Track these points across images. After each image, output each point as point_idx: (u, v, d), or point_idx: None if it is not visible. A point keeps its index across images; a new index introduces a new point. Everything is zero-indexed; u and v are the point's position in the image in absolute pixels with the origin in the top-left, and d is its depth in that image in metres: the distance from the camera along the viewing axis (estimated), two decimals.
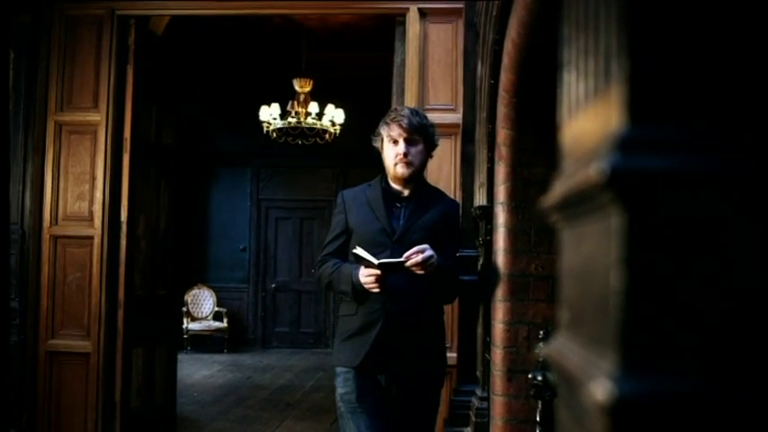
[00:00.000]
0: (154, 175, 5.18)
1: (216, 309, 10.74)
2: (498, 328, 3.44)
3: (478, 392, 3.83)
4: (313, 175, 11.05)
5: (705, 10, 0.72)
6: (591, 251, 0.79)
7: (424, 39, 4.64)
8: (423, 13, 4.65)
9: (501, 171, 3.52)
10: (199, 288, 10.76)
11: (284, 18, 8.09)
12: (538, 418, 2.66)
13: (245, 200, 11.28)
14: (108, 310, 4.71)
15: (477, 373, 3.96)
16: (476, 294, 3.83)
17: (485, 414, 3.66)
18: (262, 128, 8.78)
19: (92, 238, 4.72)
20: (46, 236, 4.74)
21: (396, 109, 2.93)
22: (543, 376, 2.55)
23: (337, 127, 8.77)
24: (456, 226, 2.99)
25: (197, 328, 10.42)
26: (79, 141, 4.77)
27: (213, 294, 10.80)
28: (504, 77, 3.38)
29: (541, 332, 2.76)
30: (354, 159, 10.14)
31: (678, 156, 0.69)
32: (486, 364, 3.71)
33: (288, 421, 6.09)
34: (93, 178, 4.74)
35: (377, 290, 2.65)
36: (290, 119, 8.58)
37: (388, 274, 2.65)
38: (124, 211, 4.80)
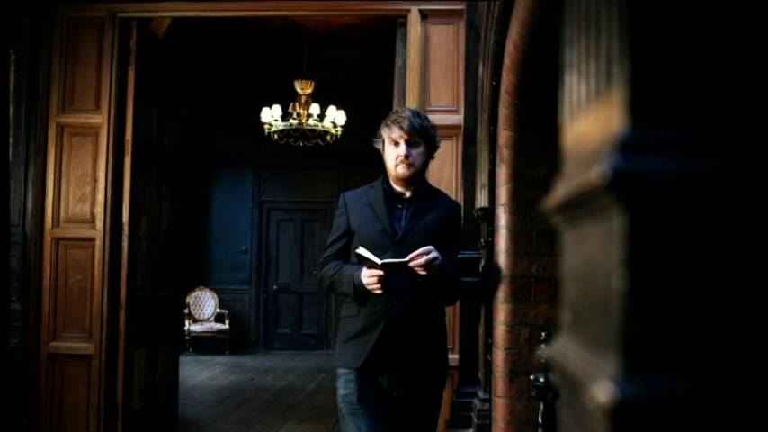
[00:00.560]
0: (155, 177, 5.19)
1: (217, 310, 10.74)
2: (500, 329, 3.44)
3: (480, 394, 3.83)
4: (314, 177, 11.05)
5: (705, 13, 0.72)
6: (592, 253, 0.79)
7: (426, 40, 4.64)
8: (424, 15, 4.65)
9: (502, 173, 3.52)
10: (200, 290, 10.77)
11: (285, 20, 8.10)
12: (540, 420, 2.65)
13: (247, 201, 11.28)
14: (110, 312, 4.71)
15: (479, 375, 3.96)
16: (477, 296, 3.83)
17: (486, 416, 3.66)
18: (263, 129, 8.78)
19: (93, 239, 4.72)
20: (48, 238, 4.74)
21: (397, 110, 2.92)
22: (545, 378, 2.55)
23: (339, 129, 8.78)
24: (457, 227, 2.99)
25: (199, 330, 10.42)
26: (81, 143, 4.77)
27: (215, 296, 10.81)
28: (506, 79, 3.38)
29: (543, 334, 2.76)
30: (356, 161, 10.15)
31: (679, 158, 0.70)
32: (488, 366, 3.71)
33: (290, 423, 6.09)
34: (95, 180, 4.74)
35: (379, 291, 2.65)
36: (291, 120, 8.59)
37: (391, 275, 2.64)
38: (126, 212, 4.80)
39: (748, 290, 0.70)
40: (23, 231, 4.73)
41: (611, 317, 0.71)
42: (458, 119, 4.45)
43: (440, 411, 2.95)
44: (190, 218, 10.36)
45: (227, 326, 10.57)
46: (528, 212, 3.40)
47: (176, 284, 5.56)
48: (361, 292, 2.71)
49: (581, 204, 0.81)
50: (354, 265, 2.76)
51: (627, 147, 0.70)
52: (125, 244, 4.79)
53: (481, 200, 3.97)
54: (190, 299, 10.58)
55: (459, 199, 4.11)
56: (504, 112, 3.46)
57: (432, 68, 4.62)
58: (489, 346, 3.69)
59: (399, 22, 4.79)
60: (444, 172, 4.43)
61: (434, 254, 2.62)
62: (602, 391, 0.67)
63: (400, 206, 2.84)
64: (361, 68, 9.53)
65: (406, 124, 2.77)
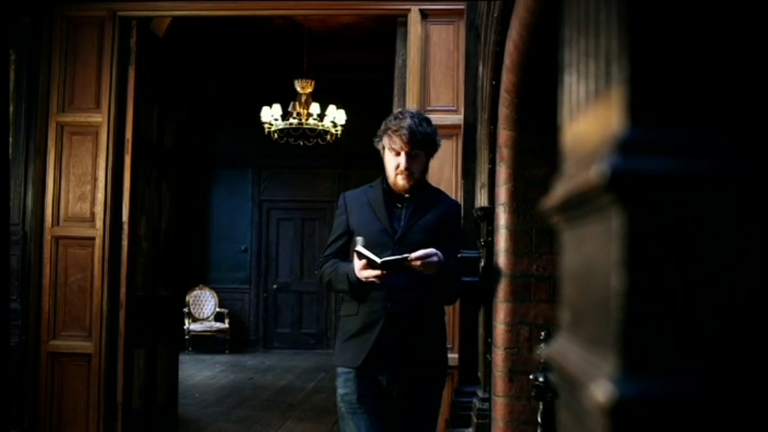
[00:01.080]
0: (155, 176, 5.19)
1: (217, 310, 10.75)
2: (499, 329, 3.44)
3: (480, 393, 3.83)
4: (314, 176, 11.06)
5: (705, 13, 0.72)
6: (592, 252, 0.79)
7: (426, 40, 4.64)
8: (424, 14, 4.65)
9: (502, 172, 3.52)
10: (200, 289, 10.77)
11: (286, 19, 8.10)
12: (539, 420, 2.66)
13: (247, 201, 11.28)
14: (109, 311, 4.71)
15: (479, 374, 3.96)
16: (477, 295, 3.83)
17: (486, 415, 3.66)
18: (263, 129, 8.78)
19: (93, 238, 4.72)
20: (47, 237, 4.74)
21: (399, 115, 2.86)
22: (545, 377, 2.55)
23: (339, 128, 8.78)
24: (457, 226, 2.99)
25: (198, 329, 10.42)
26: (81, 142, 4.77)
27: (215, 295, 10.81)
28: (506, 78, 3.38)
29: (543, 333, 2.76)
30: (356, 160, 10.16)
31: (678, 158, 0.70)
32: (488, 365, 3.71)
33: (289, 422, 6.09)
34: (95, 179, 4.74)
35: (375, 280, 2.62)
36: (291, 120, 8.58)
37: (391, 273, 2.64)
38: (126, 211, 4.81)
39: (747, 290, 0.70)
40: (23, 230, 4.73)
41: (610, 316, 0.71)
42: (458, 118, 4.45)
43: (439, 411, 2.95)
44: (190, 217, 10.36)
45: (226, 325, 10.58)
46: (528, 212, 3.40)
47: (176, 284, 5.56)
48: (357, 286, 2.70)
49: (580, 204, 0.81)
50: (350, 263, 2.76)
51: (626, 146, 0.70)
52: (125, 243, 4.79)
53: (481, 199, 3.97)
54: (190, 298, 10.58)
55: (459, 198, 4.11)
56: (503, 111, 3.46)
57: (432, 68, 4.62)
58: (489, 346, 3.69)
59: (399, 21, 4.79)
60: (444, 171, 4.43)
61: (435, 258, 2.62)
62: (601, 391, 0.68)
63: (400, 205, 2.84)
64: (361, 68, 9.53)
65: (406, 137, 2.74)
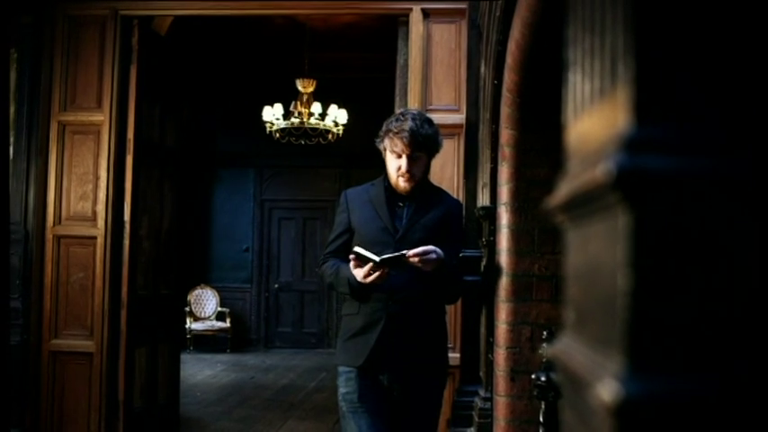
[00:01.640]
0: (157, 176, 5.18)
1: (219, 309, 10.75)
2: (501, 328, 3.44)
3: (481, 393, 3.83)
4: (316, 176, 11.05)
5: (711, 12, 0.72)
6: (597, 251, 0.79)
7: (428, 39, 4.64)
8: (426, 14, 4.65)
9: (504, 171, 3.52)
10: (202, 288, 10.77)
11: (287, 18, 8.10)
12: (541, 419, 2.66)
13: (248, 200, 11.29)
14: (111, 310, 4.71)
15: (481, 374, 3.96)
16: (479, 295, 3.83)
17: (488, 415, 3.66)
18: (265, 128, 8.78)
19: (95, 238, 4.72)
20: (49, 236, 4.74)
21: (400, 116, 2.83)
22: (547, 377, 2.55)
23: (340, 127, 8.78)
24: (459, 225, 2.98)
25: (200, 328, 10.43)
26: (82, 141, 4.77)
27: (216, 294, 10.81)
28: (508, 78, 3.38)
29: (545, 333, 2.76)
30: (357, 160, 10.15)
31: (684, 157, 0.69)
32: (490, 365, 3.71)
33: (291, 421, 6.09)
34: (97, 178, 4.74)
35: (374, 280, 2.61)
36: (292, 119, 8.59)
37: (392, 271, 2.63)
38: (127, 211, 4.80)
39: (752, 289, 0.70)
40: (25, 229, 4.73)
41: (616, 316, 0.71)
42: (460, 118, 4.45)
43: (441, 410, 2.94)
44: (191, 216, 10.37)
45: (228, 324, 10.58)
46: (530, 211, 3.40)
47: (177, 283, 5.56)
48: (358, 290, 2.70)
49: (585, 203, 0.81)
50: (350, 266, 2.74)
51: (632, 145, 0.69)
52: (126, 242, 4.79)
53: (483, 199, 3.97)
54: (191, 297, 10.59)
55: (461, 198, 4.11)
56: (505, 110, 3.46)
57: (433, 67, 4.62)
58: (491, 345, 3.69)
59: (401, 20, 4.78)
60: (446, 171, 4.43)
61: (432, 247, 2.61)
62: (607, 390, 0.67)
63: (401, 204, 2.84)
64: (363, 67, 9.52)
65: (408, 139, 2.72)
